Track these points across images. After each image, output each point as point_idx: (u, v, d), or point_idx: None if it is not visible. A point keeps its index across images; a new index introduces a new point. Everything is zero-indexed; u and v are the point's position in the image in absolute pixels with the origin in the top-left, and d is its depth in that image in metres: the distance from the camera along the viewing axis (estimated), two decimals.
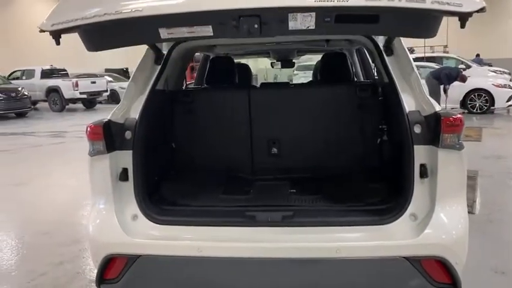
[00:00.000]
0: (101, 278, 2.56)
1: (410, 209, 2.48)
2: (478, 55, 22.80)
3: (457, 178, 2.48)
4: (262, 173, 3.46)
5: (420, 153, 2.47)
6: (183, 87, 4.02)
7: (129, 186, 2.66)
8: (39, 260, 4.13)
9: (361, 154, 3.40)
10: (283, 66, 6.69)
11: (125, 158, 2.66)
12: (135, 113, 2.74)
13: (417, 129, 2.50)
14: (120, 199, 2.64)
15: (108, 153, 2.60)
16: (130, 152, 2.66)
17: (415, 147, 2.48)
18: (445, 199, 2.43)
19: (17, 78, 19.99)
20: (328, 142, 3.44)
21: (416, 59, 13.30)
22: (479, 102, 13.78)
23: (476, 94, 13.77)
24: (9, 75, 20.19)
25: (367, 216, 2.56)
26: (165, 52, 3.10)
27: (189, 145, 3.53)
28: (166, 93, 3.27)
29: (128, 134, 2.68)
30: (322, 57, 4.02)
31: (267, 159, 3.50)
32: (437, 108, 2.52)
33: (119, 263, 2.53)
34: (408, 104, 2.59)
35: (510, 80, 16.09)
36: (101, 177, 2.64)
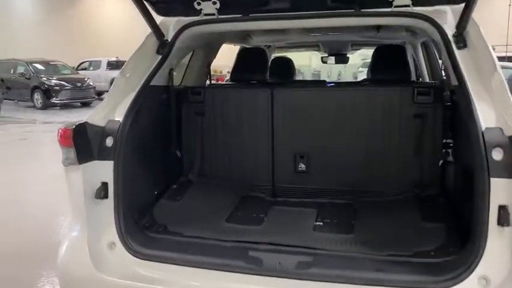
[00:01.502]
0: None
1: (480, 269, 1.74)
2: None
3: None
4: (284, 194, 2.79)
5: (500, 191, 1.73)
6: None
7: (108, 205, 2.12)
8: None
9: (415, 179, 2.61)
10: (337, 62, 5.87)
11: (105, 171, 2.12)
12: (120, 114, 2.20)
13: (497, 155, 1.74)
14: (96, 222, 2.11)
15: (80, 164, 2.07)
16: (111, 162, 2.11)
17: (493, 180, 1.73)
18: None
19: (85, 69, 20.71)
20: (371, 160, 2.69)
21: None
22: None
23: None
24: (78, 66, 20.98)
25: (414, 273, 1.82)
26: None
27: (198, 154, 2.94)
28: (170, 90, 2.69)
29: (110, 141, 2.13)
30: (375, 51, 3.24)
31: (292, 178, 2.82)
32: None
33: None
34: (485, 117, 1.82)
35: None
36: (73, 193, 2.13)
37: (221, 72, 17.66)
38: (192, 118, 2.93)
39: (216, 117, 2.90)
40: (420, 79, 4.37)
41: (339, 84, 3.65)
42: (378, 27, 3.22)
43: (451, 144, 2.51)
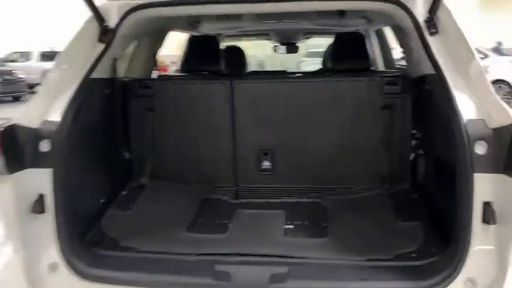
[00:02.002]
0: None
1: (466, 271, 1.64)
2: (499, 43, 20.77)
3: None
4: (248, 195, 2.58)
5: (484, 187, 1.63)
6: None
7: (47, 220, 1.81)
8: None
9: (385, 173, 2.49)
10: (288, 52, 5.69)
11: (41, 180, 1.80)
12: (57, 113, 1.87)
13: (480, 148, 1.63)
14: (34, 241, 1.80)
15: (10, 174, 1.74)
16: (49, 170, 1.79)
17: (477, 176, 1.62)
18: None
19: (13, 61, 19.18)
20: (339, 155, 2.53)
21: None
22: None
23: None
24: (6, 58, 19.40)
25: (399, 278, 1.71)
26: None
27: (149, 155, 2.64)
28: (115, 84, 2.38)
29: (46, 145, 1.81)
30: (335, 39, 3.09)
31: (256, 177, 2.61)
32: None
33: None
34: (466, 108, 1.71)
35: None
36: (4, 208, 1.79)
37: (163, 63, 17.01)
38: (141, 115, 2.62)
39: (169, 112, 2.62)
40: (374, 68, 4.30)
41: (304, 75, 3.44)
42: (342, 13, 3.06)
43: (418, 136, 2.41)
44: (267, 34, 4.78)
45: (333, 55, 3.05)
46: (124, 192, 2.51)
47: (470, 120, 1.68)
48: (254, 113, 2.56)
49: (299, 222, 2.24)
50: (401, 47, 3.00)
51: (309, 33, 4.92)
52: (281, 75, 3.74)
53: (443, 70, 1.84)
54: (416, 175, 2.39)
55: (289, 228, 2.19)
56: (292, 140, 2.56)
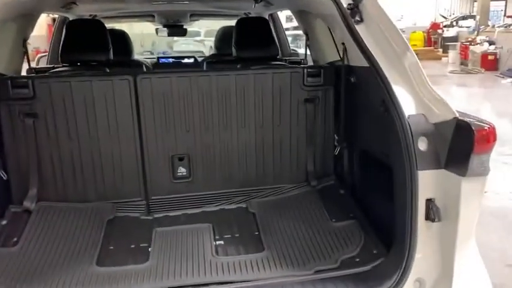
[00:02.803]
0: None
1: (414, 272, 1.60)
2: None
3: (475, 220, 1.63)
4: (162, 208, 2.25)
5: (426, 183, 1.58)
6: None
7: None
8: None
9: (310, 170, 2.38)
10: (171, 34, 5.25)
11: None
12: None
13: (422, 145, 1.57)
14: None
15: None
16: None
17: (420, 173, 1.56)
18: (466, 255, 1.60)
19: None
20: (262, 154, 2.34)
21: None
22: None
23: None
24: None
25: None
26: None
27: (33, 173, 2.12)
28: None
29: None
30: (238, 25, 2.85)
31: (171, 186, 2.29)
32: (455, 110, 1.60)
33: None
34: (405, 103, 1.63)
35: None
36: None
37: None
38: (17, 122, 2.08)
39: (57, 118, 2.12)
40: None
41: (215, 66, 3.07)
42: None
43: (341, 130, 2.33)
44: (151, 16, 4.30)
45: (238, 42, 2.80)
46: (3, 222, 1.98)
47: (411, 116, 1.60)
48: (164, 113, 2.21)
49: (229, 236, 2.00)
50: (307, 33, 2.90)
51: (196, 15, 4.57)
52: (195, 68, 3.37)
53: (378, 62, 1.73)
54: (342, 170, 2.32)
55: (219, 244, 1.94)
56: (210, 140, 2.28)
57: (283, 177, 2.36)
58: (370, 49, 1.76)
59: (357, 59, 1.99)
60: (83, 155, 2.17)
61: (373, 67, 1.73)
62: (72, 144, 2.15)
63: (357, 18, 1.87)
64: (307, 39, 2.88)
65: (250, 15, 4.11)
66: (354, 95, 2.11)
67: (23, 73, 2.68)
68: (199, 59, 4.38)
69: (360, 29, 1.85)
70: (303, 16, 2.80)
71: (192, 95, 2.22)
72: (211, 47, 7.24)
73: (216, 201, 2.28)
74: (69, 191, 2.18)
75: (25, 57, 2.56)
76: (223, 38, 4.05)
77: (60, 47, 2.66)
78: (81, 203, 2.16)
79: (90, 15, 3.83)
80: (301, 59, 3.03)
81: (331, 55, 2.78)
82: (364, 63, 1.82)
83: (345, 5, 1.88)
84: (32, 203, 2.08)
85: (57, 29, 3.75)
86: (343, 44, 2.09)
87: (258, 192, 2.32)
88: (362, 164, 2.16)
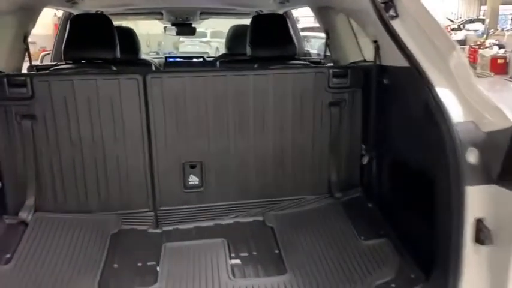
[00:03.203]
0: None
1: None
2: None
3: None
4: (173, 220, 2.06)
5: (476, 201, 1.37)
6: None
7: None
8: None
9: (335, 180, 2.17)
10: (179, 33, 5.05)
11: None
12: None
13: (472, 156, 1.37)
14: None
15: None
16: None
17: (468, 189, 1.35)
18: None
19: None
20: (282, 162, 2.14)
21: None
22: None
23: None
24: None
25: None
26: None
27: (31, 181, 1.93)
28: None
29: None
30: (254, 22, 2.66)
31: (181, 197, 2.09)
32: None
33: None
34: (453, 108, 1.44)
35: None
36: None
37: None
38: (14, 125, 1.89)
39: (57, 120, 1.92)
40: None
41: (233, 64, 2.83)
42: None
43: (371, 137, 2.13)
44: (160, 13, 4.11)
45: (253, 40, 2.61)
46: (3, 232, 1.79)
47: (459, 123, 1.40)
48: (175, 116, 2.01)
49: (246, 254, 1.80)
50: (327, 31, 2.70)
51: (206, 13, 4.38)
52: (211, 67, 3.15)
53: (421, 62, 1.54)
54: (369, 181, 2.12)
55: (235, 264, 1.74)
56: (225, 146, 2.08)
57: (303, 188, 2.16)
58: (412, 47, 1.57)
59: (392, 59, 1.79)
60: (86, 161, 1.98)
61: (415, 67, 1.54)
62: (74, 150, 1.96)
63: (392, 13, 1.70)
64: (328, 37, 2.69)
65: (263, 13, 3.93)
66: (386, 98, 1.91)
67: (24, 71, 2.50)
68: (208, 59, 4.20)
69: (395, 24, 1.67)
70: (323, 13, 2.62)
71: (206, 96, 2.02)
72: (217, 48, 7.07)
73: (230, 212, 2.09)
74: (70, 200, 1.99)
75: (26, 54, 2.37)
76: (235, 37, 3.87)
77: (64, 44, 2.47)
78: (83, 214, 1.97)
79: (96, 12, 3.65)
80: (320, 59, 2.83)
81: (354, 55, 2.59)
82: (402, 63, 1.63)
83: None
84: (29, 214, 1.89)
85: (62, 25, 3.56)
86: (375, 42, 1.89)
87: (276, 204, 2.12)
88: (393, 176, 1.96)
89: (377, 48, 1.90)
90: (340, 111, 2.11)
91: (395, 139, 1.91)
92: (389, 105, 1.90)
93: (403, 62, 1.63)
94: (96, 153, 1.98)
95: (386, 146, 1.99)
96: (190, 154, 2.06)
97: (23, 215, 1.88)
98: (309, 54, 4.26)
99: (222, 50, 6.01)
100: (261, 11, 4.01)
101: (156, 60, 4.36)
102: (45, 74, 2.14)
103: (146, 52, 6.16)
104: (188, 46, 8.67)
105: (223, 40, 4.59)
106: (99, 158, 1.99)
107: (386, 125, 1.97)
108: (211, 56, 6.15)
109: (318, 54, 4.67)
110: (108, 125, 1.96)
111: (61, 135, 1.94)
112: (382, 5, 1.70)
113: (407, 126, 1.77)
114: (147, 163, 2.02)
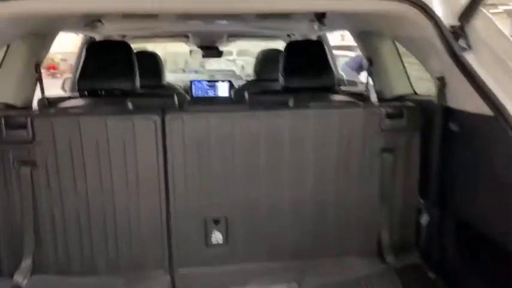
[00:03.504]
0: None
1: None
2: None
3: None
4: (191, 284, 1.73)
5: None
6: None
7: None
8: None
9: (389, 241, 1.82)
10: (205, 56, 4.83)
11: None
12: None
13: None
14: None
15: None
16: None
17: None
18: None
19: None
20: (322, 218, 1.80)
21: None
22: None
23: None
24: None
25: None
26: None
27: (29, 238, 1.66)
28: None
29: None
30: (289, 48, 2.36)
31: (203, 256, 1.78)
32: None
33: None
34: None
35: None
36: None
37: (53, 60, 13.94)
38: (11, 172, 1.63)
39: (61, 166, 1.65)
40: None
41: (265, 101, 2.49)
42: (322, 16, 2.26)
43: (425, 190, 1.77)
44: (186, 36, 3.88)
45: (287, 69, 2.30)
46: None
47: None
48: (197, 162, 1.71)
49: None
50: (370, 59, 2.36)
51: (234, 36, 4.13)
52: (238, 99, 2.85)
53: (507, 108, 1.22)
54: (429, 244, 1.74)
55: None
56: (254, 198, 1.76)
57: (348, 248, 1.81)
58: (495, 89, 1.25)
59: (463, 100, 1.46)
60: (92, 213, 1.69)
61: (501, 116, 1.21)
62: (79, 200, 1.68)
63: (462, 44, 1.40)
64: (370, 65, 2.37)
65: (294, 37, 3.65)
66: (452, 146, 1.56)
67: (34, 102, 2.27)
68: (235, 82, 3.94)
69: (468, 59, 1.36)
70: (365, 38, 2.31)
71: (233, 139, 1.71)
72: (242, 66, 6.87)
73: (259, 276, 1.75)
74: (73, 259, 1.71)
75: (39, 85, 2.14)
76: (264, 62, 3.59)
77: (78, 73, 2.23)
78: (87, 277, 1.68)
79: (118, 36, 3.45)
80: (361, 91, 2.50)
81: (402, 86, 2.28)
82: (479, 107, 1.31)
83: (447, 27, 1.40)
84: (25, 277, 1.61)
85: (80, 51, 3.37)
86: (441, 78, 1.55)
87: (314, 268, 1.77)
88: (461, 241, 1.60)
89: (442, 86, 1.56)
90: (393, 159, 1.76)
91: (465, 196, 1.55)
92: (457, 154, 1.55)
93: (481, 107, 1.31)
94: (105, 204, 1.70)
95: (451, 203, 1.63)
96: (214, 207, 1.74)
97: (18, 278, 1.61)
98: (343, 81, 3.92)
99: (248, 68, 5.77)
100: (292, 34, 3.74)
101: (181, 84, 4.14)
102: (47, 114, 1.88)
103: (173, 70, 6.01)
104: (214, 64, 8.60)
105: (249, 58, 4.35)
106: (108, 211, 1.70)
107: (452, 178, 1.61)
108: (238, 74, 5.91)
109: (352, 81, 4.33)
110: (120, 173, 1.68)
111: (64, 184, 1.66)
112: (452, 34, 1.40)
113: (483, 182, 1.42)
114: (163, 217, 1.72)
